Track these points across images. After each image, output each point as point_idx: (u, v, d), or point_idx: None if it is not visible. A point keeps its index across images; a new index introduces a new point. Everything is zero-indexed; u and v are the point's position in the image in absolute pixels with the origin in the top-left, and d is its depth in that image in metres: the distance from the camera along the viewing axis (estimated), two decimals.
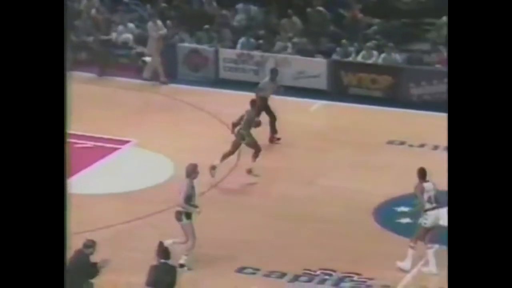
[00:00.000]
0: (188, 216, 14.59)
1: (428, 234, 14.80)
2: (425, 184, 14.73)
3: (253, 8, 25.28)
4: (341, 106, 21.93)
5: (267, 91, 19.70)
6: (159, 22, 23.52)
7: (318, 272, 14.86)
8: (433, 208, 14.63)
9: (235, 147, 17.98)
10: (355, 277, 14.71)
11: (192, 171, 14.77)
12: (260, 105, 18.80)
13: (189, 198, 14.59)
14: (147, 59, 23.52)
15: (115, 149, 19.38)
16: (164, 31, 23.44)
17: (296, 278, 14.78)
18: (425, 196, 14.65)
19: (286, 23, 24.67)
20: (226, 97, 22.14)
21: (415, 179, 17.73)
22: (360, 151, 19.00)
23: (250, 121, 17.97)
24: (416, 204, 14.97)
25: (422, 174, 14.85)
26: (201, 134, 19.79)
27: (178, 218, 14.67)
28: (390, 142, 19.51)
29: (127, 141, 19.57)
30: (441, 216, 14.62)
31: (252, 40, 24.13)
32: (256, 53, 23.58)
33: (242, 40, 24.12)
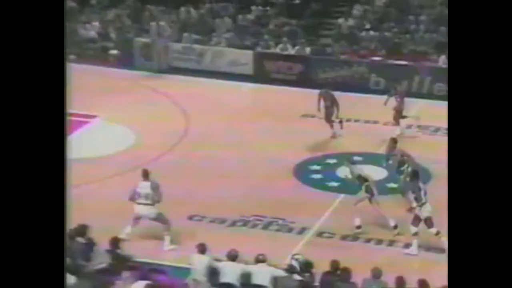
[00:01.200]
0: None
1: None
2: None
3: (193, 10, 24.79)
4: (265, 87, 21.69)
5: None
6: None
7: (251, 218, 14.66)
8: None
9: None
10: (280, 221, 14.51)
11: None
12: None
13: None
14: (113, 52, 23.07)
15: (85, 122, 18.71)
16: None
17: (234, 223, 14.54)
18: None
19: (219, 22, 24.25)
20: (174, 81, 21.71)
21: (325, 144, 17.80)
22: (280, 122, 18.79)
23: None
24: None
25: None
26: (155, 110, 19.35)
27: None
28: (304, 116, 19.32)
29: (94, 116, 18.95)
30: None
31: (193, 35, 23.67)
32: (197, 46, 23.14)
33: (185, 35, 23.65)
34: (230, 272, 11.18)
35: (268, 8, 24.61)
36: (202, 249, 11.46)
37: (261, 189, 15.53)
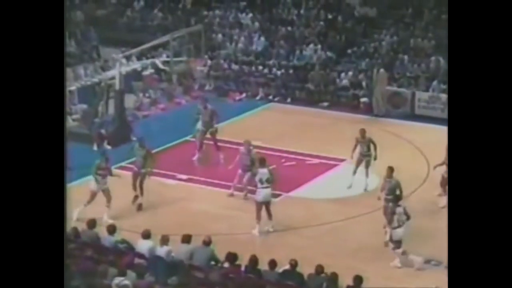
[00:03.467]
0: None
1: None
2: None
3: (441, 60, 24.21)
4: None
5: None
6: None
7: None
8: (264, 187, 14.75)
9: None
10: None
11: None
12: None
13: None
14: (364, 99, 23.32)
15: (334, 165, 19.07)
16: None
17: None
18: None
19: None
20: (420, 129, 21.38)
21: None
22: None
23: None
24: None
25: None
26: (399, 155, 19.18)
27: None
28: None
29: (343, 159, 19.20)
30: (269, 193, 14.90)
31: (441, 85, 23.15)
32: (443, 95, 22.61)
33: (433, 84, 23.20)
34: None
35: None
36: None
37: None
